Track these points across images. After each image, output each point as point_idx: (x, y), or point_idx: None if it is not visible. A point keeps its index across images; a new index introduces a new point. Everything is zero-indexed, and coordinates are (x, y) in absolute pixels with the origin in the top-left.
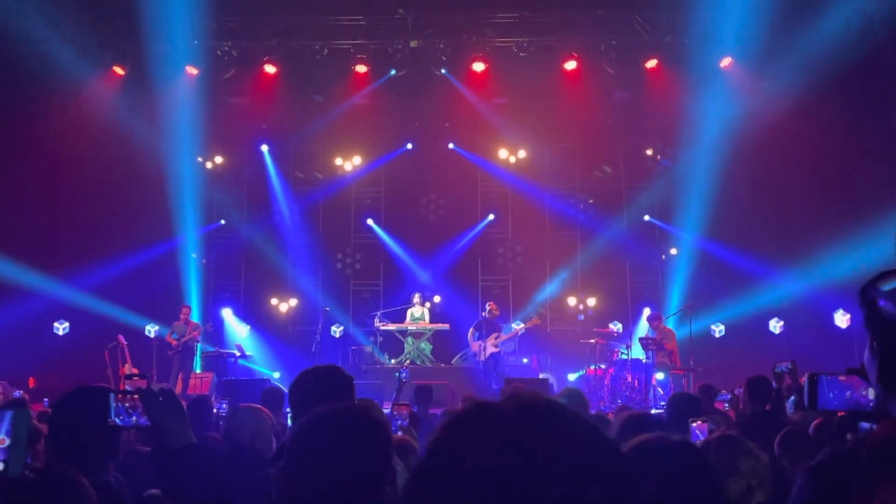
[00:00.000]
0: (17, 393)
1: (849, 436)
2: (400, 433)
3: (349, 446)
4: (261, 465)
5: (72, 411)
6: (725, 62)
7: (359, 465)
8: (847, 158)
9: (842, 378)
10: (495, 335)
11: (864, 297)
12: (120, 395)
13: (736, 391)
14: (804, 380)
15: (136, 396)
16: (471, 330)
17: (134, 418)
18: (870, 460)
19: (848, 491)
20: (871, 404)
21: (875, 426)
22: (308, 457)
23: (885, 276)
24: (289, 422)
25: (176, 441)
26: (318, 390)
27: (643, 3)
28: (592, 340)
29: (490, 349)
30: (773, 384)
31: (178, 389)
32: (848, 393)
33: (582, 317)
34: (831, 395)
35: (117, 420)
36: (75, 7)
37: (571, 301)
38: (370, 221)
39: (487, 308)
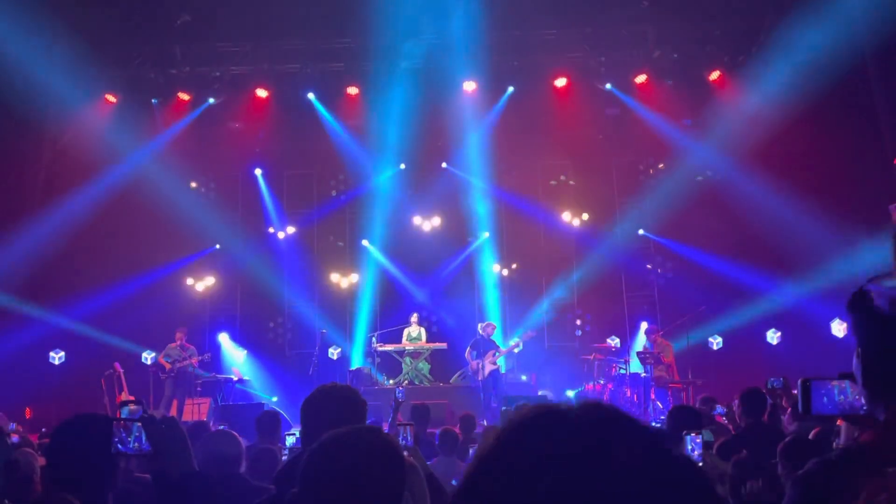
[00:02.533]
0: (13, 425)
1: (835, 444)
2: (406, 454)
3: (367, 470)
4: (259, 491)
5: (70, 440)
6: (715, 75)
7: (375, 489)
8: (840, 168)
9: (834, 383)
10: (492, 353)
11: (854, 304)
12: (122, 422)
13: (732, 403)
14: (797, 391)
15: (138, 423)
16: (468, 349)
17: (136, 445)
18: (855, 464)
19: (836, 499)
20: (864, 408)
21: (860, 433)
22: (325, 480)
23: (873, 280)
24: (287, 442)
25: (178, 468)
26: (333, 410)
27: (632, 18)
28: (591, 356)
29: (488, 367)
30: (768, 399)
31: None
32: (841, 397)
33: (579, 332)
34: (825, 399)
35: (119, 447)
36: (66, 36)
37: (568, 317)
38: (365, 242)
39: (482, 326)
